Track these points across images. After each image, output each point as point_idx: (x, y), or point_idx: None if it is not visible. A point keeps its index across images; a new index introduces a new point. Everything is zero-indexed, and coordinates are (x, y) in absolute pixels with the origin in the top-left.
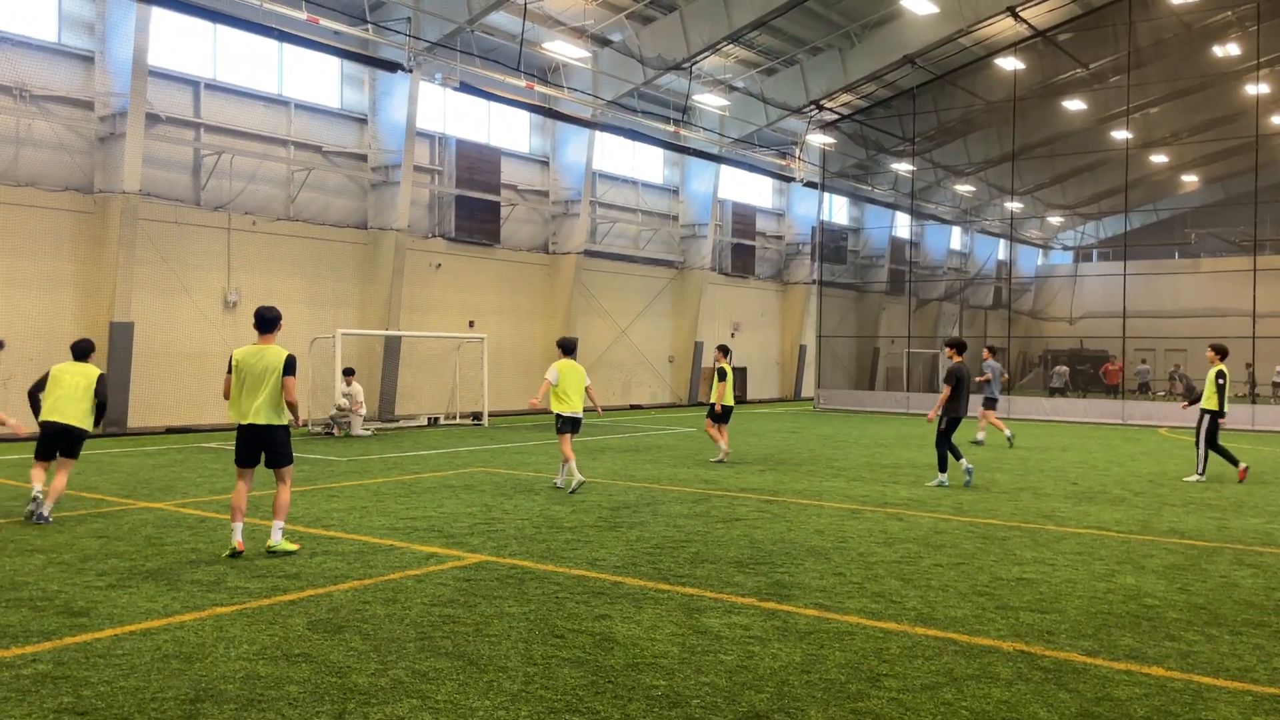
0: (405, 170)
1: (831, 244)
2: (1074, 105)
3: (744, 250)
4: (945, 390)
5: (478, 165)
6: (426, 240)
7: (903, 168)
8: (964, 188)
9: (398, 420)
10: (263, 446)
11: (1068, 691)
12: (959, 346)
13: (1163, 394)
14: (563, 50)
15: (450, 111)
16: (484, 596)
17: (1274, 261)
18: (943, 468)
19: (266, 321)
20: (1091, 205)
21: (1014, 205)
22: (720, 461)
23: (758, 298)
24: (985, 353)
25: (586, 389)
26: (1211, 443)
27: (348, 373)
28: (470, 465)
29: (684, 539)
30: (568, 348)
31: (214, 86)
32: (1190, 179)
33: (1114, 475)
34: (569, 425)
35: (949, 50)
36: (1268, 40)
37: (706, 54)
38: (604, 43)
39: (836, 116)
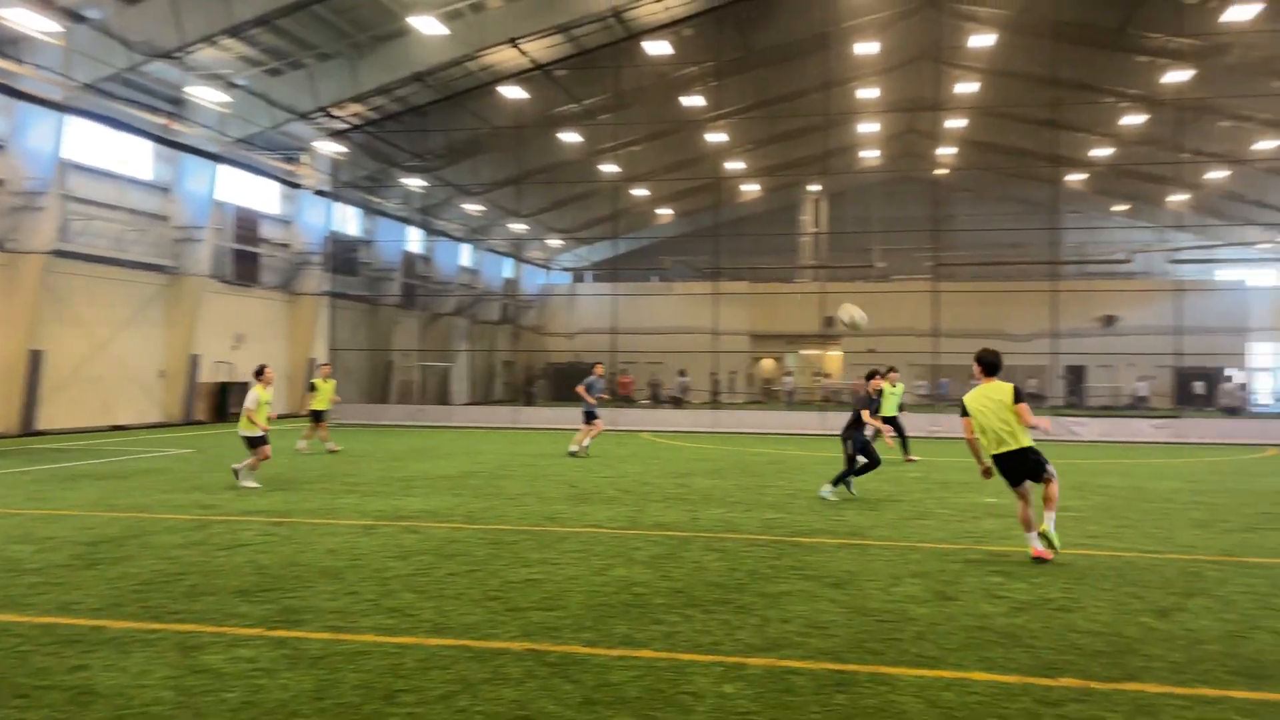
0: None
1: (343, 255)
2: (570, 137)
3: (247, 257)
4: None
5: None
6: None
7: (414, 183)
8: (473, 207)
9: None
10: (1022, 465)
11: (572, 683)
12: None
13: (646, 401)
14: (25, 20)
15: None
16: None
17: (731, 287)
18: None
19: (991, 365)
20: (585, 230)
21: (519, 226)
22: None
23: (264, 308)
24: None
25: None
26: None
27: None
28: None
29: (179, 571)
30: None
31: None
32: (665, 212)
33: (607, 477)
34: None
35: (458, 72)
36: (726, 94)
37: (201, 45)
38: (78, 18)
39: (347, 126)
